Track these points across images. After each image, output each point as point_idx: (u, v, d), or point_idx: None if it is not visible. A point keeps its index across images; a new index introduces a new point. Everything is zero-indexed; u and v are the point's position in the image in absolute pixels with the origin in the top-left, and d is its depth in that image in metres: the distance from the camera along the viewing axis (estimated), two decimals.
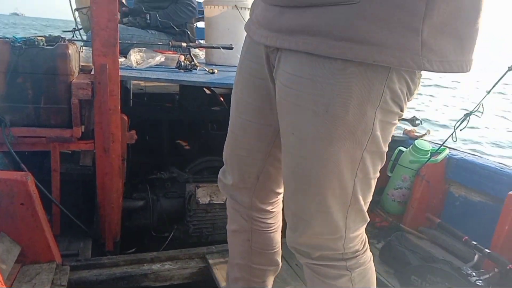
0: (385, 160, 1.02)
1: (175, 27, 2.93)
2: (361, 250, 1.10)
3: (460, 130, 2.24)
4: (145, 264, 1.97)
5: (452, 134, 2.27)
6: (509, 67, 2.05)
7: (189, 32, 3.07)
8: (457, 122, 2.24)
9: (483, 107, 2.14)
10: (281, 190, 1.33)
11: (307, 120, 0.94)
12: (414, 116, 2.74)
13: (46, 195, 1.92)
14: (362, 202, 1.02)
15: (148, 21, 2.89)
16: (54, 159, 1.96)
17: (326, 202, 0.99)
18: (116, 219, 2.09)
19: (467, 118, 2.20)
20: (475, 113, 2.17)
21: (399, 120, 0.98)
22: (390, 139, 1.00)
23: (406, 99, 0.95)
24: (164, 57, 2.46)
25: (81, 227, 2.05)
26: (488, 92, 2.15)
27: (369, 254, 1.13)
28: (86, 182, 2.11)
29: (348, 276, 1.09)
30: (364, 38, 0.83)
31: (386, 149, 1.00)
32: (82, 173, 2.09)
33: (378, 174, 1.02)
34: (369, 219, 1.08)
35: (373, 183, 1.03)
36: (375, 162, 0.99)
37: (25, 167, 1.84)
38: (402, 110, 0.96)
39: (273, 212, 1.37)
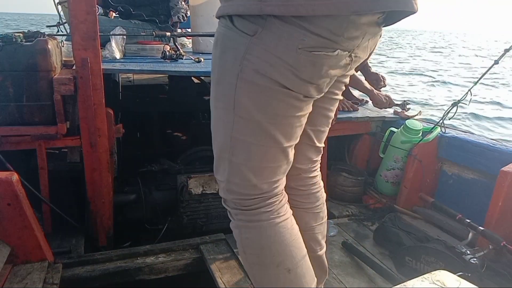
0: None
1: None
2: (245, 206, 1.12)
3: (449, 119, 2.27)
4: (138, 258, 1.96)
5: (440, 121, 2.29)
6: (495, 61, 2.07)
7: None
8: (445, 113, 2.26)
9: (471, 95, 2.15)
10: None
11: None
12: (404, 101, 2.73)
13: (36, 193, 1.90)
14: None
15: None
16: (41, 157, 1.93)
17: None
18: (108, 214, 2.08)
19: (455, 107, 2.22)
20: (463, 101, 2.19)
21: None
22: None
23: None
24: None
25: (73, 223, 2.04)
26: (476, 83, 2.17)
27: (262, 216, 1.12)
28: (75, 178, 2.08)
29: (237, 228, 1.15)
30: None
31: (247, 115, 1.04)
32: (71, 170, 2.07)
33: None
34: (247, 182, 1.10)
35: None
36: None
37: (10, 167, 1.82)
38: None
39: None
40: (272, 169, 1.11)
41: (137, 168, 2.46)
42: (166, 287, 1.98)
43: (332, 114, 1.30)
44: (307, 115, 1.12)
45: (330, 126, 1.34)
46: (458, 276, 1.50)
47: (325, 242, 1.44)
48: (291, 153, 1.14)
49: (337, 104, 1.30)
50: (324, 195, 1.40)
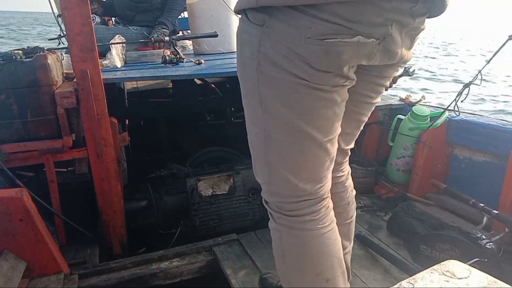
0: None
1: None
2: (287, 210, 1.08)
3: (461, 101, 2.21)
4: (153, 264, 1.97)
5: (452, 104, 2.23)
6: (509, 36, 1.99)
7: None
8: (457, 95, 2.20)
9: (481, 76, 2.10)
10: None
11: None
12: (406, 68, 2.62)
13: (47, 207, 1.92)
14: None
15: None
16: (49, 171, 1.95)
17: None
18: (120, 222, 2.09)
19: (468, 88, 2.16)
20: (475, 82, 2.13)
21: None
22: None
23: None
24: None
25: (86, 234, 2.06)
26: (488, 62, 2.11)
27: (307, 225, 1.08)
28: (86, 189, 2.10)
29: (278, 231, 1.11)
30: None
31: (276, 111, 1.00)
32: (80, 181, 2.08)
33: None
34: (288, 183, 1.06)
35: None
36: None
37: (20, 183, 1.84)
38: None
39: None
40: (312, 167, 1.05)
41: (147, 174, 2.47)
42: None
43: (365, 119, 1.23)
44: (344, 103, 1.04)
45: (360, 130, 1.28)
46: (474, 262, 1.48)
47: (350, 244, 1.41)
48: (332, 147, 1.07)
49: (371, 109, 1.22)
50: (352, 196, 1.35)
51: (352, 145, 1.31)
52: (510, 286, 0.93)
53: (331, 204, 1.14)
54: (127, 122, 2.63)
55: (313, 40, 0.88)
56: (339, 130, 1.07)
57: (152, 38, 2.45)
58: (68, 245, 2.05)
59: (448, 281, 0.94)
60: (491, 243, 1.74)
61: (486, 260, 1.62)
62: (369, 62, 0.97)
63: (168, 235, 2.38)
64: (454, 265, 1.01)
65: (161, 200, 2.38)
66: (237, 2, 1.01)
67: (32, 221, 1.68)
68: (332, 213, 1.14)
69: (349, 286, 1.41)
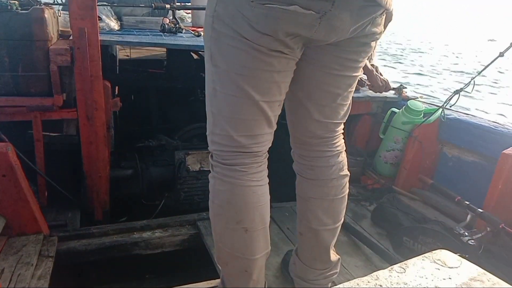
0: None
1: None
2: (222, 159, 1.18)
3: (450, 106, 2.25)
4: (135, 233, 1.95)
5: (440, 111, 2.27)
6: (500, 53, 2.04)
7: None
8: (445, 102, 2.25)
9: (474, 85, 2.13)
10: None
11: None
12: (400, 85, 2.68)
13: (31, 166, 1.88)
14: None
15: None
16: (36, 129, 1.90)
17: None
18: (104, 189, 2.06)
19: (457, 95, 2.20)
20: (465, 89, 2.17)
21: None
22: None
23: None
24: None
25: (68, 197, 2.02)
26: (479, 73, 2.14)
27: (236, 174, 1.17)
28: (72, 151, 2.05)
29: (213, 178, 1.22)
30: None
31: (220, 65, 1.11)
32: (67, 143, 2.04)
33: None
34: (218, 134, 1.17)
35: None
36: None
37: (6, 138, 1.78)
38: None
39: None
40: (247, 123, 1.15)
41: (134, 143, 2.43)
42: (162, 261, 1.98)
43: (339, 91, 1.26)
44: (286, 74, 1.16)
45: (345, 104, 1.31)
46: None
47: (335, 229, 1.41)
48: (270, 109, 1.16)
49: (345, 82, 1.25)
50: (337, 176, 1.37)
51: (334, 120, 1.32)
52: (498, 278, 0.94)
53: (265, 163, 1.24)
54: (116, 90, 2.58)
55: (256, 4, 1.01)
56: (278, 96, 1.18)
57: (153, 4, 2.39)
58: (49, 206, 2.00)
59: (439, 269, 0.95)
60: (473, 240, 1.77)
61: (467, 256, 1.64)
62: (311, 34, 1.07)
63: (151, 206, 2.35)
64: (445, 254, 1.02)
65: (147, 171, 2.35)
66: None
67: (15, 177, 1.64)
68: (265, 172, 1.25)
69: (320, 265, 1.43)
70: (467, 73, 10.43)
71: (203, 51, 2.86)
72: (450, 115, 2.31)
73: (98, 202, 2.05)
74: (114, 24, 2.27)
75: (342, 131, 1.39)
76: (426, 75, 10.57)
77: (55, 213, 2.00)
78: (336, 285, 1.62)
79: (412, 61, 12.66)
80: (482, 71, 2.15)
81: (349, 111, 1.35)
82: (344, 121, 1.36)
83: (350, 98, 1.32)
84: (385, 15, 1.17)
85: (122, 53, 3.43)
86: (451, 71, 11.39)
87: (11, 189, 1.65)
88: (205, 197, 2.38)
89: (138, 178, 2.32)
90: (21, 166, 1.66)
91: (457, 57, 14.03)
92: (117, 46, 3.13)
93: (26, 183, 1.68)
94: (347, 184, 1.40)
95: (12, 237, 1.70)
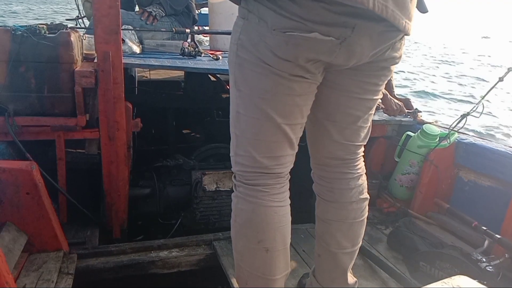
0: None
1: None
2: (246, 179, 1.22)
3: (457, 130, 2.30)
4: (152, 252, 1.97)
5: (448, 134, 2.28)
6: (500, 78, 2.10)
7: (194, 15, 3.01)
8: (453, 123, 2.27)
9: (483, 107, 2.17)
10: None
11: None
12: (415, 109, 2.69)
13: (53, 184, 1.92)
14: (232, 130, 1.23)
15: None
16: (59, 148, 1.95)
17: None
18: (123, 207, 2.09)
19: (465, 119, 2.24)
20: (472, 113, 2.18)
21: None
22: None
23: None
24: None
25: (88, 215, 2.05)
26: (483, 97, 2.18)
27: (259, 194, 1.21)
28: (92, 170, 2.10)
29: (236, 197, 1.25)
30: None
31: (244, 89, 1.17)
32: (88, 162, 2.08)
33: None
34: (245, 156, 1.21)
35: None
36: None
37: (30, 157, 1.84)
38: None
39: None
40: (269, 144, 1.19)
41: (152, 163, 2.47)
42: (178, 281, 1.99)
43: (359, 114, 1.29)
44: (307, 98, 1.20)
45: (365, 126, 1.33)
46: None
47: (354, 252, 1.42)
48: (292, 132, 1.20)
49: (366, 105, 1.28)
50: (357, 198, 1.38)
51: (356, 143, 1.35)
52: None
53: (287, 185, 1.28)
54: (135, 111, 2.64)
55: (278, 32, 1.06)
56: (300, 119, 1.22)
57: (174, 29, 2.45)
58: (69, 224, 2.04)
59: None
60: (491, 267, 1.75)
61: (485, 283, 1.63)
62: (331, 60, 1.11)
63: (167, 225, 2.38)
64: (464, 281, 1.03)
65: (164, 190, 2.38)
66: None
67: (38, 195, 1.68)
68: (287, 193, 1.28)
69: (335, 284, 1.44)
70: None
71: (221, 74, 2.93)
72: (466, 139, 2.32)
73: (116, 220, 2.09)
74: (136, 48, 2.34)
75: (363, 154, 1.41)
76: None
77: (75, 231, 2.03)
78: None
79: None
80: (485, 94, 2.20)
81: (369, 134, 1.37)
82: (365, 143, 1.38)
83: (370, 120, 1.34)
84: (404, 40, 1.20)
85: (140, 75, 3.50)
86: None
87: (34, 206, 1.69)
88: (220, 217, 2.42)
89: (155, 197, 2.36)
90: (44, 185, 1.71)
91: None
92: (135, 68, 3.21)
93: (49, 201, 1.72)
94: (367, 207, 1.41)
95: (33, 254, 1.74)
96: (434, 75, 12.51)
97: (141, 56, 2.33)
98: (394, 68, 1.26)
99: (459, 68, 13.63)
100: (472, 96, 9.92)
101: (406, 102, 2.69)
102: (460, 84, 11.50)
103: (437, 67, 13.32)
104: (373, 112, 1.34)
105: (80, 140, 2.05)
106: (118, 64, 1.87)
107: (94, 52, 2.06)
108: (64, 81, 1.89)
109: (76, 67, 1.92)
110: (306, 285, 1.57)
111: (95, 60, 1.94)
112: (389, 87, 2.67)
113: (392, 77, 2.63)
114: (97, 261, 1.85)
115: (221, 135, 2.91)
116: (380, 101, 2.58)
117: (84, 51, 2.18)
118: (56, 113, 1.91)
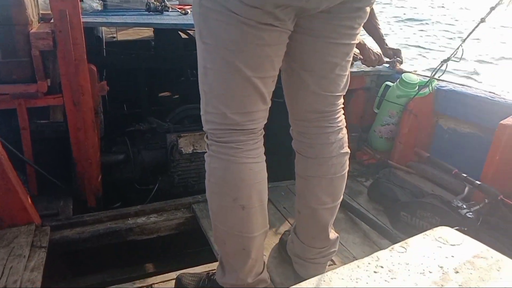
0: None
1: None
2: (217, 137, 1.16)
3: (438, 77, 2.24)
4: (129, 219, 1.92)
5: (428, 82, 2.24)
6: (481, 18, 2.02)
7: None
8: (434, 71, 2.22)
9: (463, 52, 2.10)
10: None
11: None
12: (395, 57, 2.62)
13: (18, 154, 1.83)
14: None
15: None
16: (22, 117, 1.84)
17: None
18: (96, 175, 2.02)
19: (445, 65, 2.17)
20: (453, 58, 2.13)
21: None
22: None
23: None
24: None
25: (60, 185, 1.97)
26: (464, 40, 2.11)
27: (231, 151, 1.16)
28: (60, 139, 2.00)
29: (208, 156, 1.21)
30: None
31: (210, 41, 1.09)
32: (54, 130, 1.98)
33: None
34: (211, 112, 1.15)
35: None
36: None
37: None
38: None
39: None
40: (240, 99, 1.13)
41: (124, 128, 2.38)
42: (158, 246, 1.96)
43: (337, 61, 1.22)
44: (278, 48, 1.12)
45: (343, 75, 1.26)
46: (456, 230, 1.48)
47: (334, 207, 1.39)
48: (264, 86, 1.14)
49: (342, 50, 1.21)
50: (337, 153, 1.32)
51: (334, 93, 1.28)
52: (501, 255, 0.92)
53: (261, 141, 1.22)
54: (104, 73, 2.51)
55: None
56: (272, 72, 1.14)
57: None
58: (40, 196, 1.96)
59: (441, 247, 0.92)
60: (471, 213, 1.75)
61: (465, 229, 1.63)
62: (302, 3, 1.04)
63: (144, 190, 2.32)
64: (446, 232, 1.00)
65: (139, 155, 2.30)
66: None
67: (2, 168, 1.59)
68: (261, 149, 1.22)
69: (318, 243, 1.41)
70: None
71: (191, 30, 2.79)
72: (445, 86, 2.27)
73: (90, 189, 2.01)
74: (96, 5, 2.19)
75: (343, 106, 1.34)
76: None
77: (46, 202, 1.96)
78: (334, 263, 1.62)
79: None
80: (465, 38, 2.12)
81: (348, 84, 1.31)
82: (344, 93, 1.31)
83: (348, 68, 1.28)
84: None
85: (107, 35, 3.33)
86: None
87: None
88: (199, 180, 2.36)
89: (130, 163, 2.28)
90: (7, 156, 1.61)
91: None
92: (102, 28, 3.04)
93: (14, 173, 1.63)
94: (347, 162, 1.37)
95: (2, 229, 1.67)
96: (411, 26, 12.38)
97: (104, 14, 2.19)
98: (369, 10, 1.18)
99: (440, 19, 13.50)
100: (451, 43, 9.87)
101: (397, 52, 2.61)
102: (442, 35, 11.42)
103: (419, 20, 13.15)
104: (351, 59, 1.27)
105: (45, 107, 1.93)
106: (76, 23, 1.74)
107: (50, 11, 1.91)
108: (20, 45, 1.76)
109: (31, 29, 1.78)
110: (288, 242, 1.55)
111: (52, 20, 1.81)
112: (379, 37, 2.58)
113: (380, 27, 2.55)
114: (72, 232, 1.79)
115: (197, 95, 2.80)
116: (358, 51, 2.50)
117: (41, 11, 2.03)
118: (15, 80, 1.79)
